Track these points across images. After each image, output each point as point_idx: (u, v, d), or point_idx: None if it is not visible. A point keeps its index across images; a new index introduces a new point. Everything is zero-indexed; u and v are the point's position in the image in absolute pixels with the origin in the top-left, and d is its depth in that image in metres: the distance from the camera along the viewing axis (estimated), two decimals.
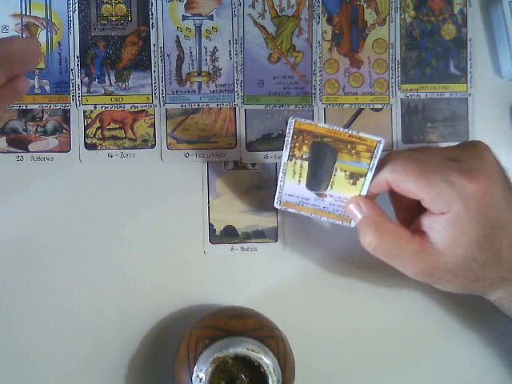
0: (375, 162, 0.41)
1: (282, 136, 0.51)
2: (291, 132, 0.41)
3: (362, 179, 0.42)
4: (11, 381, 0.50)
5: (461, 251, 0.40)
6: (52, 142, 0.51)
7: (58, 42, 0.51)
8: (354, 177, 0.42)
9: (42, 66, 0.51)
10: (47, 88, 0.51)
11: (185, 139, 0.51)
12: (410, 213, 0.43)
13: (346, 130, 0.40)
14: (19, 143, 0.51)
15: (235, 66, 0.51)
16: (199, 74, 0.51)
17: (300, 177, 0.43)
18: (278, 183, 0.44)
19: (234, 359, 0.44)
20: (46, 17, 0.51)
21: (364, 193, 0.43)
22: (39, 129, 0.51)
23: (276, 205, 0.46)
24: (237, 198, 0.51)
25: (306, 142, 0.41)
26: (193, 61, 0.51)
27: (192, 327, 0.46)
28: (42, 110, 0.51)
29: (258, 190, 0.52)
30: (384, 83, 0.52)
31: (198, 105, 0.51)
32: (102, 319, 0.50)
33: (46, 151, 0.51)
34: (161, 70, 0.51)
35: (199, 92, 0.51)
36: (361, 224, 0.42)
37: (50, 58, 0.51)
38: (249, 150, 0.51)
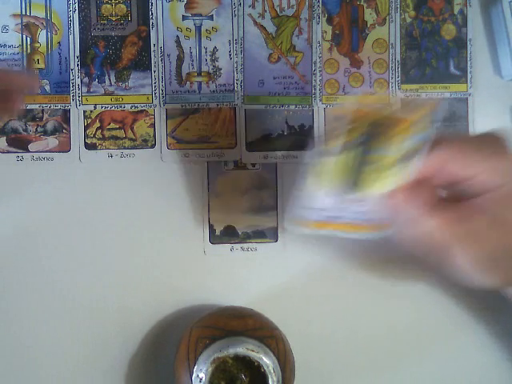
0: (427, 133, 0.39)
1: (282, 136, 0.51)
2: (341, 122, 0.39)
3: (409, 163, 0.39)
4: (11, 381, 0.50)
5: None
6: (52, 142, 0.51)
7: (58, 42, 0.51)
8: (404, 160, 0.40)
9: (42, 66, 0.51)
10: (47, 88, 0.51)
11: (185, 139, 0.51)
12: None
13: (391, 107, 0.39)
14: (19, 143, 0.51)
15: (235, 66, 0.51)
16: (199, 74, 0.51)
17: (331, 182, 0.40)
18: (301, 193, 0.41)
19: (234, 359, 0.44)
20: (45, 17, 0.51)
21: (410, 177, 0.40)
22: (39, 129, 0.51)
23: (289, 224, 0.43)
24: (237, 198, 0.51)
25: (355, 131, 0.39)
26: (193, 61, 0.51)
27: (192, 327, 0.46)
28: (42, 110, 0.51)
29: (258, 190, 0.52)
30: (384, 83, 0.52)
31: (198, 105, 0.51)
32: (102, 319, 0.50)
33: (46, 151, 0.51)
34: (161, 70, 0.51)
35: (199, 92, 0.51)
36: (422, 211, 0.40)
37: (49, 58, 0.51)
38: (249, 150, 0.51)
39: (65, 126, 0.51)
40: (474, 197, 0.41)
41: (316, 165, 0.40)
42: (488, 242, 0.40)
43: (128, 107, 0.51)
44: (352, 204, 0.41)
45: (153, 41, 0.51)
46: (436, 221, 0.40)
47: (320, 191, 0.41)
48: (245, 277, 0.51)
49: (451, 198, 0.42)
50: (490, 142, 0.41)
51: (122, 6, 0.51)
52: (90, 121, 0.51)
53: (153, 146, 0.51)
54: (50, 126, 0.51)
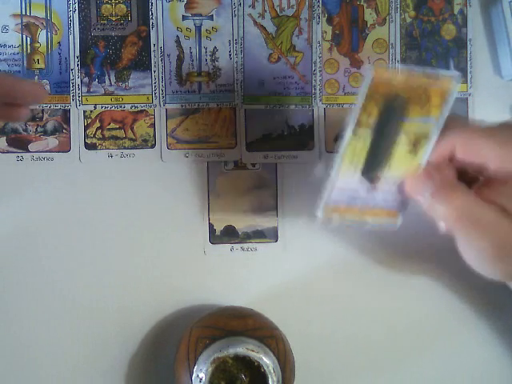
0: (445, 110, 0.40)
1: (282, 136, 0.51)
2: (365, 90, 0.39)
3: (423, 143, 0.40)
4: (11, 381, 0.50)
5: None
6: (52, 142, 0.51)
7: (58, 42, 0.51)
8: (417, 141, 0.40)
9: (42, 66, 0.51)
10: (47, 88, 0.51)
11: (185, 139, 0.51)
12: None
13: (422, 70, 0.39)
14: (19, 143, 0.51)
15: (235, 65, 0.51)
16: (199, 74, 0.51)
17: (358, 159, 0.41)
18: (331, 176, 0.41)
19: (234, 359, 0.44)
20: (45, 17, 0.51)
21: (425, 160, 0.41)
22: (39, 129, 0.51)
23: (320, 211, 0.42)
24: (237, 198, 0.51)
25: (378, 99, 0.39)
26: (193, 61, 0.51)
27: (192, 327, 0.46)
28: (42, 110, 0.51)
29: (258, 189, 0.52)
30: None
31: (198, 105, 0.51)
32: (102, 319, 0.50)
33: (46, 151, 0.51)
34: (161, 70, 0.51)
35: (199, 92, 0.51)
36: (437, 191, 0.40)
37: (49, 58, 0.51)
38: (249, 150, 0.51)
39: (65, 126, 0.51)
40: (490, 184, 0.41)
41: (345, 146, 0.41)
42: (496, 232, 0.39)
43: (128, 107, 0.51)
44: (380, 187, 0.42)
45: (153, 41, 0.51)
46: (446, 206, 0.39)
47: (349, 171, 0.41)
48: (245, 277, 0.51)
49: (471, 178, 0.42)
50: (507, 130, 0.41)
51: (122, 5, 0.51)
52: (89, 121, 0.51)
53: (153, 146, 0.51)
54: (49, 126, 0.51)
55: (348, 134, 0.40)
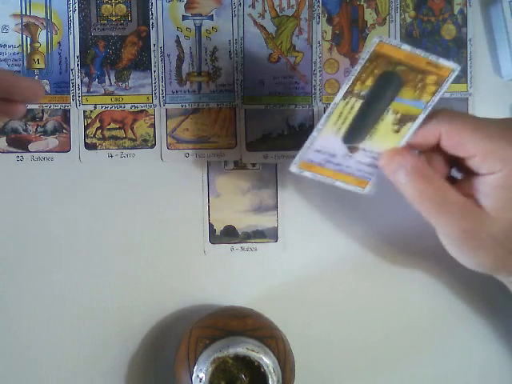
0: (436, 98, 0.40)
1: (282, 136, 0.51)
2: (368, 55, 0.39)
3: (408, 125, 0.41)
4: (11, 381, 0.50)
5: (507, 215, 0.39)
6: (52, 142, 0.51)
7: (58, 42, 0.51)
8: (403, 121, 0.41)
9: (42, 66, 0.51)
10: (47, 88, 0.51)
11: (185, 139, 0.51)
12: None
13: (426, 54, 0.39)
14: (19, 143, 0.51)
15: (235, 65, 0.51)
16: (199, 74, 0.51)
17: (342, 124, 0.41)
18: (312, 134, 0.42)
19: (234, 359, 0.44)
20: (45, 17, 0.51)
21: (405, 141, 0.41)
22: (39, 129, 0.51)
23: (293, 165, 0.43)
24: (237, 198, 0.51)
25: (376, 71, 0.40)
26: (193, 61, 0.51)
27: (192, 327, 0.46)
28: (42, 110, 0.51)
29: (258, 189, 0.52)
30: None
31: (198, 105, 0.51)
32: (102, 319, 0.50)
33: (46, 151, 0.51)
34: (161, 70, 0.51)
35: (199, 92, 0.51)
36: (409, 174, 0.40)
37: (49, 58, 0.51)
38: (249, 150, 0.51)
39: (65, 125, 0.51)
40: (469, 179, 0.41)
41: (335, 105, 0.41)
42: (463, 218, 0.40)
43: (128, 107, 0.51)
44: (356, 156, 0.42)
45: (153, 41, 0.51)
46: (418, 186, 0.40)
47: (331, 133, 0.42)
48: (245, 277, 0.51)
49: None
50: (498, 125, 0.41)
51: (122, 5, 0.51)
52: (89, 121, 0.51)
53: (153, 146, 0.51)
54: (49, 126, 0.51)
55: (338, 97, 0.41)
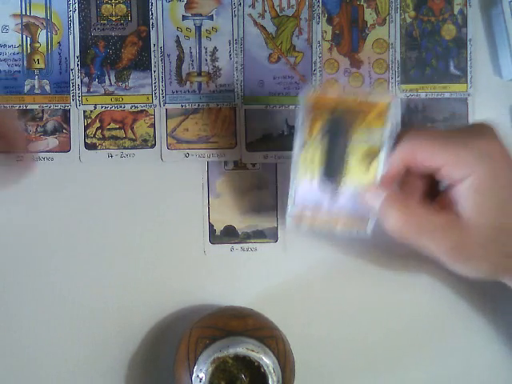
0: (387, 130, 0.40)
1: (282, 136, 0.51)
2: (304, 110, 0.39)
3: (375, 162, 0.41)
4: (11, 381, 0.50)
5: (486, 220, 0.40)
6: (52, 141, 0.51)
7: (58, 42, 0.51)
8: (368, 160, 0.41)
9: (42, 66, 0.51)
10: (47, 88, 0.51)
11: (185, 139, 0.51)
12: (427, 195, 0.43)
13: (354, 95, 0.39)
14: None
15: (235, 65, 0.51)
16: (199, 74, 0.51)
17: (313, 171, 0.42)
18: (290, 189, 0.42)
19: (234, 359, 0.44)
20: (45, 17, 0.51)
21: (379, 175, 0.41)
22: (39, 129, 0.51)
23: (288, 222, 0.44)
24: (237, 198, 0.51)
25: (319, 119, 0.40)
26: (193, 61, 0.51)
27: (192, 327, 0.46)
28: (42, 110, 0.51)
29: (258, 190, 0.52)
30: (384, 83, 0.52)
31: (198, 105, 0.51)
32: (102, 319, 0.50)
33: (46, 151, 0.51)
34: (161, 70, 0.51)
35: (199, 92, 0.51)
36: (383, 207, 0.41)
37: (49, 58, 0.51)
38: (249, 150, 0.51)
39: (65, 125, 0.51)
40: (448, 188, 0.42)
41: (297, 157, 0.41)
42: (445, 238, 0.40)
43: (128, 107, 0.51)
44: (341, 194, 0.42)
45: (153, 41, 0.51)
46: (399, 220, 0.41)
47: (306, 184, 0.42)
48: (245, 277, 0.51)
49: (431, 188, 0.43)
50: (463, 133, 0.41)
51: (122, 5, 0.51)
52: (89, 121, 0.51)
53: (153, 146, 0.51)
54: (49, 126, 0.51)
55: (296, 152, 0.41)
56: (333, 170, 0.42)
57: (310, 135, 0.40)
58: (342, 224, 0.44)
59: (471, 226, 0.40)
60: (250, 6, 0.51)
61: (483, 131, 0.42)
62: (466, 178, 0.40)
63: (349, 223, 0.44)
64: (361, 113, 0.39)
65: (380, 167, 0.41)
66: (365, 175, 0.42)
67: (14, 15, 0.51)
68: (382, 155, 0.41)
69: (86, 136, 0.51)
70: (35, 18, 0.51)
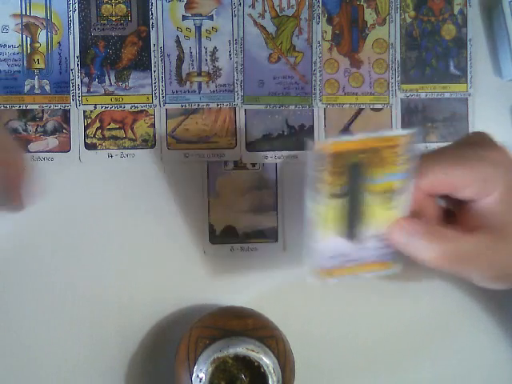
0: (412, 164, 0.37)
1: (282, 136, 0.51)
2: (319, 161, 0.36)
3: (397, 196, 0.39)
4: (11, 381, 0.50)
5: None
6: (52, 141, 0.51)
7: (58, 42, 0.51)
8: (391, 197, 0.39)
9: (42, 66, 0.51)
10: (47, 88, 0.51)
11: (185, 139, 0.51)
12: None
13: (374, 134, 0.36)
14: (19, 143, 0.51)
15: (235, 65, 0.51)
16: (199, 74, 0.51)
17: (335, 226, 0.39)
18: (311, 245, 0.40)
19: (234, 359, 0.44)
20: (45, 17, 0.51)
21: (403, 210, 0.39)
22: (39, 129, 0.51)
23: (312, 276, 0.41)
24: (237, 198, 0.51)
25: (338, 169, 0.37)
26: (193, 61, 0.51)
27: (192, 327, 0.46)
28: (42, 110, 0.51)
29: (258, 190, 0.52)
30: (384, 83, 0.52)
31: (198, 105, 0.51)
32: (102, 319, 0.50)
33: (46, 151, 0.51)
34: (161, 70, 0.51)
35: (199, 92, 0.51)
36: (413, 241, 0.39)
37: (49, 58, 0.51)
38: (249, 150, 0.51)
39: (65, 125, 0.51)
40: (473, 207, 0.40)
41: (316, 214, 0.39)
42: (487, 261, 0.39)
43: (128, 107, 0.51)
44: (365, 243, 0.40)
45: (153, 41, 0.51)
46: (436, 251, 0.39)
47: (330, 235, 0.40)
48: (245, 277, 0.51)
49: (454, 208, 0.42)
50: (470, 146, 0.40)
51: (122, 5, 0.51)
52: (90, 121, 0.51)
53: (153, 146, 0.51)
54: (49, 126, 0.51)
55: (315, 205, 0.38)
56: (355, 218, 0.39)
57: (329, 189, 0.37)
58: (369, 269, 0.41)
59: (505, 238, 0.39)
60: (250, 6, 0.51)
61: (486, 141, 0.41)
62: (491, 192, 0.39)
63: (376, 267, 0.41)
64: (380, 151, 0.37)
65: (403, 202, 0.39)
66: (387, 214, 0.39)
67: (14, 15, 0.51)
68: (408, 189, 0.39)
69: (85, 136, 0.51)
70: (35, 18, 0.51)
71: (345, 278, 0.41)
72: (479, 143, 0.41)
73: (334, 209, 0.39)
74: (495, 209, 0.39)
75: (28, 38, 0.51)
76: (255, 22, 0.51)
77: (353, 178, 0.38)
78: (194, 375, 0.43)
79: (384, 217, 0.40)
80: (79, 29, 0.51)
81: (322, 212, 0.38)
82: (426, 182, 0.39)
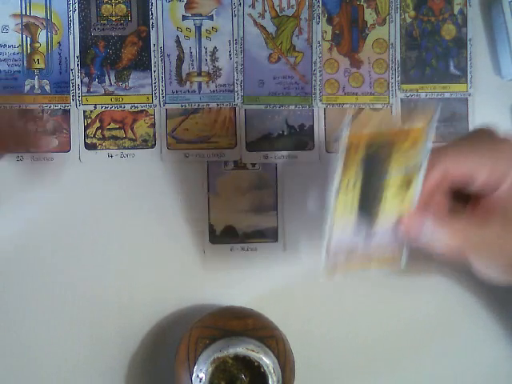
0: (426, 155, 0.38)
1: (282, 136, 0.51)
2: (344, 147, 0.37)
3: (411, 189, 0.39)
4: (11, 381, 0.50)
5: None
6: (52, 142, 0.51)
7: (58, 42, 0.51)
8: (404, 189, 0.39)
9: (42, 66, 0.51)
10: (47, 88, 0.51)
11: (185, 139, 0.51)
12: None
13: (391, 125, 0.38)
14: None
15: (235, 66, 0.51)
16: (199, 74, 0.51)
17: (348, 216, 0.39)
18: (326, 236, 0.40)
19: (234, 359, 0.44)
20: (45, 17, 0.51)
21: (415, 200, 0.40)
22: (39, 129, 0.51)
23: (326, 272, 0.41)
24: (237, 198, 0.51)
25: (354, 159, 0.38)
26: (193, 61, 0.51)
27: (192, 327, 0.46)
28: (42, 110, 0.51)
29: (258, 190, 0.52)
30: (384, 83, 0.52)
31: (198, 105, 0.51)
32: (102, 319, 0.50)
33: (46, 151, 0.51)
34: (161, 70, 0.51)
35: (199, 92, 0.51)
36: (430, 230, 0.40)
37: (49, 58, 0.51)
38: (249, 150, 0.51)
39: (65, 126, 0.51)
40: (484, 198, 0.41)
41: (334, 203, 0.39)
42: (503, 247, 0.39)
43: (128, 107, 0.51)
44: (376, 233, 0.41)
45: (153, 41, 0.51)
46: (448, 233, 0.39)
47: (343, 228, 0.40)
48: (245, 277, 0.51)
49: (465, 200, 0.42)
50: (482, 138, 0.41)
51: (122, 5, 0.51)
52: (90, 121, 0.51)
53: (153, 146, 0.51)
54: (49, 126, 0.51)
55: (333, 195, 0.39)
56: (368, 209, 0.40)
57: (345, 178, 0.38)
58: (375, 264, 0.42)
59: None
60: (250, 6, 0.51)
61: (493, 134, 0.41)
62: (502, 181, 0.39)
63: (382, 261, 0.42)
64: (397, 143, 0.38)
65: (414, 195, 0.40)
66: (398, 206, 0.40)
67: (14, 15, 0.51)
68: (419, 180, 0.39)
69: (86, 136, 0.51)
70: (35, 18, 0.51)
71: (352, 272, 0.41)
72: (486, 136, 0.41)
73: (346, 200, 0.39)
74: (506, 199, 0.40)
75: (28, 38, 0.51)
76: (255, 22, 0.51)
77: (367, 169, 0.38)
78: (194, 375, 0.43)
79: (395, 209, 0.40)
80: (79, 29, 0.51)
81: (339, 204, 0.39)
82: (438, 172, 0.40)
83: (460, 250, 0.40)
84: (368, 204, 0.40)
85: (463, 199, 0.42)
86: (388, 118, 0.38)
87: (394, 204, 0.40)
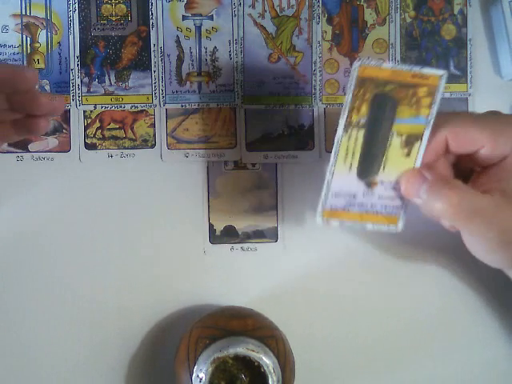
0: (434, 109, 0.39)
1: (282, 136, 0.51)
2: (354, 82, 0.37)
3: (417, 144, 0.40)
4: (11, 381, 0.50)
5: None
6: (52, 141, 0.51)
7: (58, 42, 0.51)
8: (410, 142, 0.40)
9: (42, 66, 0.51)
10: (47, 88, 0.51)
11: (185, 139, 0.51)
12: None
13: (409, 67, 0.38)
14: (19, 143, 0.51)
15: (235, 66, 0.51)
16: (199, 74, 0.51)
17: (352, 159, 0.40)
18: (326, 178, 0.40)
19: (234, 359, 0.44)
20: (45, 17, 0.51)
21: (419, 161, 0.40)
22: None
23: (318, 217, 0.42)
24: (237, 198, 0.51)
25: (367, 96, 0.38)
26: (193, 61, 0.51)
27: (192, 327, 0.46)
28: None
29: (258, 189, 0.52)
30: None
31: (198, 105, 0.51)
32: (102, 319, 0.50)
33: (46, 151, 0.51)
34: (161, 70, 0.51)
35: (199, 92, 0.51)
36: (432, 190, 0.39)
37: (49, 58, 0.51)
38: (249, 150, 0.51)
39: (65, 126, 0.51)
40: (485, 172, 0.41)
41: (339, 141, 0.40)
42: (497, 220, 0.39)
43: (128, 107, 0.51)
44: (376, 190, 0.41)
45: (153, 41, 0.51)
46: (450, 200, 0.39)
47: (344, 172, 0.40)
48: (245, 277, 0.51)
49: (466, 172, 0.42)
50: (493, 116, 0.41)
51: (122, 5, 0.51)
52: (90, 121, 0.51)
53: (153, 146, 0.51)
54: (49, 126, 0.51)
55: (339, 131, 0.40)
56: (371, 154, 0.40)
57: (356, 114, 0.39)
58: (373, 220, 0.42)
59: None
60: (250, 6, 0.51)
61: (499, 112, 0.42)
62: (508, 151, 0.39)
63: (380, 219, 0.42)
64: (412, 87, 0.38)
65: (419, 151, 0.40)
66: (405, 161, 0.40)
67: (14, 15, 0.51)
68: (425, 137, 0.40)
69: (86, 136, 0.51)
70: (35, 18, 0.51)
71: (347, 223, 0.42)
72: (491, 113, 0.42)
73: (352, 140, 0.39)
74: (510, 172, 0.40)
75: (28, 38, 0.51)
76: (255, 22, 0.51)
77: (377, 108, 0.39)
78: (194, 375, 0.43)
79: (399, 164, 0.40)
80: (79, 29, 0.51)
81: (345, 143, 0.39)
82: (443, 133, 0.40)
83: (454, 215, 0.39)
84: (373, 151, 0.40)
85: (466, 177, 0.42)
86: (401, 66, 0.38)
87: (398, 158, 0.40)
